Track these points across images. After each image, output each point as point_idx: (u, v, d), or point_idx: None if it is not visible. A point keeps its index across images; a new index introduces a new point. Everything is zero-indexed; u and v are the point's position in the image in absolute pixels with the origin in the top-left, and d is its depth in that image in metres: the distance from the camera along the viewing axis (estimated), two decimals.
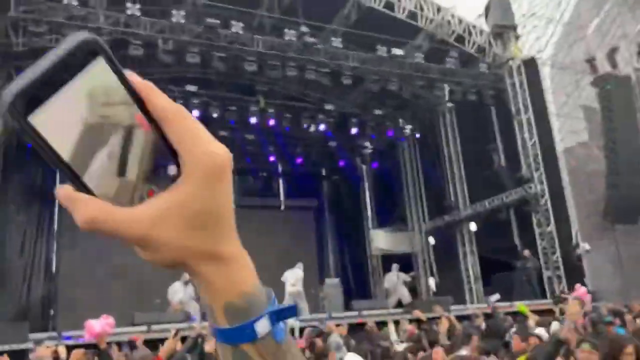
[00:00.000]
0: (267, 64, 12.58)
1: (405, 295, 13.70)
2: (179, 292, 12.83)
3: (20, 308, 13.82)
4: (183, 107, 0.49)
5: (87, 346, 6.73)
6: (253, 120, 15.02)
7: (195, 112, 14.17)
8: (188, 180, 0.47)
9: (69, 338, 8.55)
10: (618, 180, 14.13)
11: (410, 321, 9.41)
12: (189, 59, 11.73)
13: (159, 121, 0.48)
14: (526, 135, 14.59)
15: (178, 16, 11.21)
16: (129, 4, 10.93)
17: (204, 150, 0.48)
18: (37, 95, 0.44)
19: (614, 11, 16.85)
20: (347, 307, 14.13)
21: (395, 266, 14.60)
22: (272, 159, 18.87)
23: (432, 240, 17.03)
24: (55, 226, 16.21)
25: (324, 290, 15.54)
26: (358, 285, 18.37)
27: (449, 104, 16.54)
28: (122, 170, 0.48)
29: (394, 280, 14.17)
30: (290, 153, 18.50)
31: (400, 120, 17.63)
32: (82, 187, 0.47)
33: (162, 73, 13.32)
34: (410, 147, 18.26)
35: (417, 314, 9.64)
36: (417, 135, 17.85)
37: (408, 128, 17.78)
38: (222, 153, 0.49)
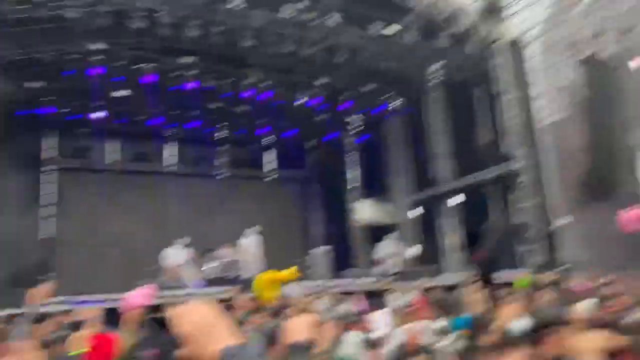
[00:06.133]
0: (264, 41, 12.75)
1: (399, 264, 14.36)
2: (170, 257, 13.13)
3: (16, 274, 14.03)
4: None
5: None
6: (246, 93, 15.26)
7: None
8: None
9: (82, 303, 8.93)
10: (594, 158, 14.92)
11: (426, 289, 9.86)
12: (188, 33, 11.82)
13: None
14: (510, 114, 15.19)
15: None
16: None
17: None
18: None
19: None
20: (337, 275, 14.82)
21: (394, 234, 15.27)
22: (262, 131, 19.15)
23: (414, 212, 17.70)
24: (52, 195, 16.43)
25: (309, 260, 16.16)
26: (340, 255, 19.02)
27: (437, 82, 16.98)
28: None
29: (391, 249, 14.79)
30: (281, 126, 18.80)
31: (390, 96, 18.03)
32: None
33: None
34: (399, 123, 18.72)
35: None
36: (406, 111, 18.31)
37: (397, 104, 18.21)
38: None
